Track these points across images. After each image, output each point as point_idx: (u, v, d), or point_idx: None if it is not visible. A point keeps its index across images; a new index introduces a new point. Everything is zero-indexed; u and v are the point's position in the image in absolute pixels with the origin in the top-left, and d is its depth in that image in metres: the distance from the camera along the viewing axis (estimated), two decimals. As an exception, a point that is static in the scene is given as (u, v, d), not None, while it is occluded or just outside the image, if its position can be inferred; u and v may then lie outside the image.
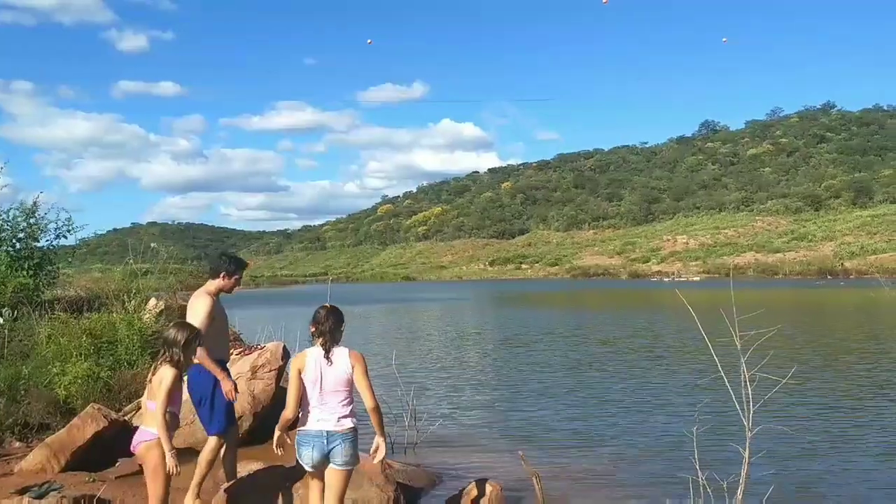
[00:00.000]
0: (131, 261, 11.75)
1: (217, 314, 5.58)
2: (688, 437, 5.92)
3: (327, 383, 4.37)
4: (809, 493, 6.56)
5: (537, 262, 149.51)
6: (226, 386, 5.35)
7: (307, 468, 4.45)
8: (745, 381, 5.50)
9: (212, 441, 5.49)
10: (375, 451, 4.51)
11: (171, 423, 4.66)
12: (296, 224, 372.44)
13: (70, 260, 15.45)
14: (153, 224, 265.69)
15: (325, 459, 4.38)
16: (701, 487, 5.59)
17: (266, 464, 5.74)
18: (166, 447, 4.48)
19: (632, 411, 10.31)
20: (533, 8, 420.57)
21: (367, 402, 4.37)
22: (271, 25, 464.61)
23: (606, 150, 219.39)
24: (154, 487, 4.55)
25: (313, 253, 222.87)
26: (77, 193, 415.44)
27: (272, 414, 5.81)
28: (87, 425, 6.60)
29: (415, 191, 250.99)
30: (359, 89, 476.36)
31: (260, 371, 7.92)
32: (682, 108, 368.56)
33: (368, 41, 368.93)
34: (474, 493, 5.51)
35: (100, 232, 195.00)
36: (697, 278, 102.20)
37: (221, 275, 5.72)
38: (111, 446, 6.77)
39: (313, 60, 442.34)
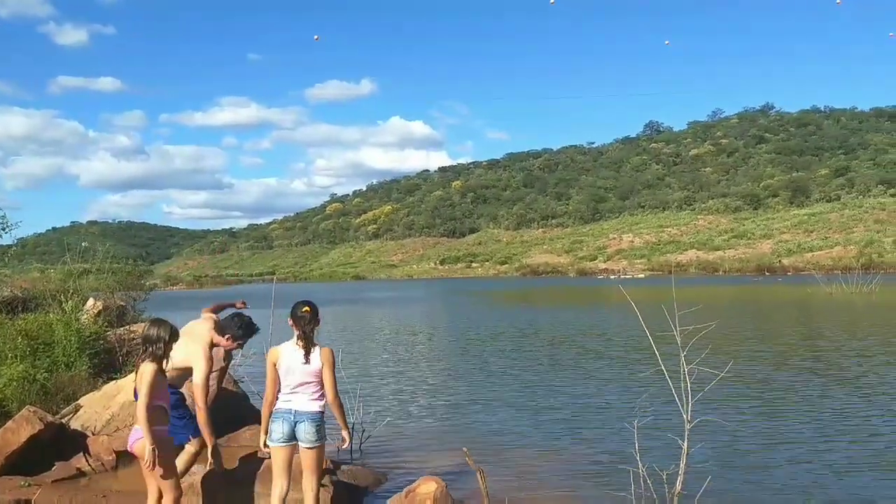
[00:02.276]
0: (68, 260, 11.45)
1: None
2: (630, 430, 6.04)
3: (300, 376, 4.90)
4: (747, 483, 6.76)
5: (487, 261, 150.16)
6: None
7: (277, 444, 4.90)
8: (685, 375, 5.65)
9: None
10: (343, 442, 5.18)
11: (160, 416, 4.76)
12: (241, 223, 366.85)
13: (6, 259, 14.96)
14: (93, 223, 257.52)
15: (293, 437, 4.86)
16: (642, 479, 5.72)
17: (208, 468, 5.66)
18: (147, 440, 4.58)
19: (576, 406, 10.46)
20: (481, 8, 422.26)
21: (329, 396, 4.93)
22: (214, 20, 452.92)
23: (555, 149, 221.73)
24: (165, 480, 4.70)
25: (260, 252, 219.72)
26: (14, 191, 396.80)
27: (215, 415, 5.76)
28: (21, 428, 6.41)
29: (364, 189, 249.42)
30: (305, 86, 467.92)
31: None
32: (628, 109, 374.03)
33: (315, 37, 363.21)
34: (419, 490, 5.53)
35: (38, 231, 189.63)
36: (642, 275, 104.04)
37: (227, 336, 5.76)
38: (47, 450, 6.60)
39: (257, 56, 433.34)
